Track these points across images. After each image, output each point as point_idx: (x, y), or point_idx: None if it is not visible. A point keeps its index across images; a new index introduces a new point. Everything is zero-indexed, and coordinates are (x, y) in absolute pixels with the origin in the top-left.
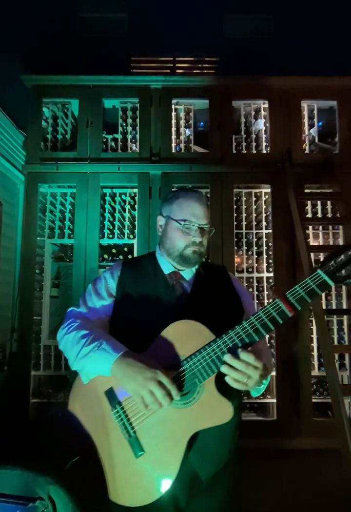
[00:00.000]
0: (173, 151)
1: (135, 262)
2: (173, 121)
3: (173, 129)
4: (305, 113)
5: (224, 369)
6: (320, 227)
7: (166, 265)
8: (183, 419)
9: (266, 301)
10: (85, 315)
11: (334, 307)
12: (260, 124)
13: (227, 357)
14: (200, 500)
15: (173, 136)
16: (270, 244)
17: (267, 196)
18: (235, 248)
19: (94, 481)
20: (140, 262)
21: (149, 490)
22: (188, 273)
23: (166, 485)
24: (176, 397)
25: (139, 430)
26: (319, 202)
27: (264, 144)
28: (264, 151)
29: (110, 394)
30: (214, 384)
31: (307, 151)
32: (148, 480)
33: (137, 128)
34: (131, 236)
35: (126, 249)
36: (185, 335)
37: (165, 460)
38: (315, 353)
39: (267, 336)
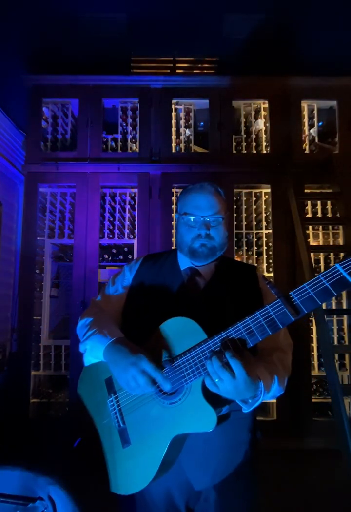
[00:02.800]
0: (173, 151)
1: (156, 257)
2: (173, 121)
3: (173, 129)
4: (305, 113)
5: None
6: (320, 227)
7: (184, 260)
8: (168, 419)
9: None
10: (99, 304)
11: (334, 307)
12: (260, 124)
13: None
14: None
15: (173, 136)
16: (270, 244)
17: (267, 196)
18: (235, 248)
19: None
20: (161, 257)
21: (129, 481)
22: (206, 270)
23: (144, 481)
24: (165, 386)
25: (128, 422)
26: (319, 202)
27: (264, 144)
28: (264, 151)
29: (109, 383)
30: (201, 388)
31: (307, 151)
32: (130, 471)
33: (137, 128)
34: (131, 236)
35: (126, 249)
36: (178, 333)
37: (146, 456)
38: (315, 353)
39: None
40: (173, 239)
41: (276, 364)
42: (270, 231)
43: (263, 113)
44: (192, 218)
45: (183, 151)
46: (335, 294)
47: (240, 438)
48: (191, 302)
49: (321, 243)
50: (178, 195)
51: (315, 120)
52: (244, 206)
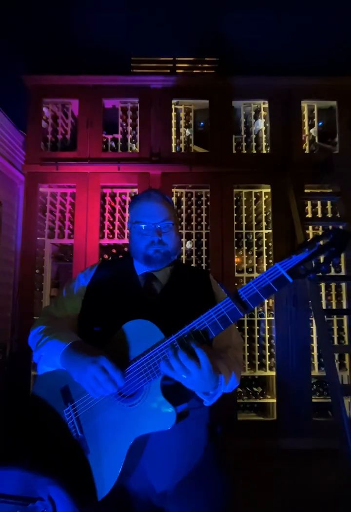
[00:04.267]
0: (173, 151)
1: (111, 263)
2: (173, 121)
3: (173, 129)
4: (305, 113)
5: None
6: (320, 227)
7: (140, 266)
8: (127, 421)
9: (266, 301)
10: (52, 312)
11: (334, 307)
12: (260, 124)
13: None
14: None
15: (173, 136)
16: (270, 244)
17: (267, 196)
18: (235, 248)
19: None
20: (116, 262)
21: (94, 490)
22: (162, 275)
23: (105, 489)
24: (121, 383)
25: (86, 430)
26: (319, 202)
27: (264, 144)
28: (264, 151)
29: (65, 392)
30: (160, 387)
31: (307, 151)
32: (94, 479)
33: (137, 128)
34: None
35: (126, 249)
36: (136, 335)
37: (106, 463)
38: (315, 353)
39: (268, 336)
40: None
41: (231, 359)
42: (270, 231)
43: (263, 113)
44: (143, 226)
45: (183, 151)
46: (277, 290)
47: (198, 435)
48: (148, 306)
49: None
50: (130, 202)
51: (315, 120)
52: (244, 206)
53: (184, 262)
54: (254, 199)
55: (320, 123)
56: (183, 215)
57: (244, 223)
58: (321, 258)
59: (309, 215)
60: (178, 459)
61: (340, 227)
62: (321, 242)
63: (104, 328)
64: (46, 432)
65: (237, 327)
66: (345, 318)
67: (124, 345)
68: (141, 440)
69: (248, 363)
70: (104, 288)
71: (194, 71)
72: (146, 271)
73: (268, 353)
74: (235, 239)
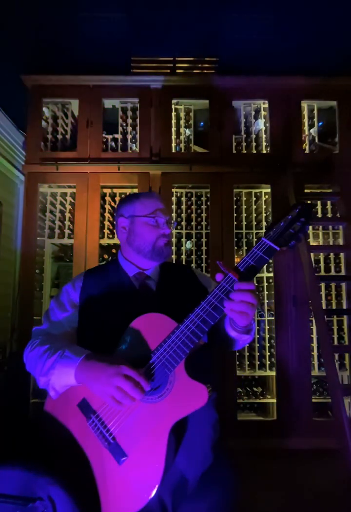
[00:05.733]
0: (173, 151)
1: (98, 270)
2: (173, 121)
3: (173, 129)
4: (305, 113)
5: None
6: (320, 227)
7: (130, 267)
8: (160, 413)
9: (266, 301)
10: (47, 331)
11: (334, 307)
12: (260, 124)
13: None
14: (187, 504)
15: (173, 136)
16: None
17: (267, 196)
18: (235, 248)
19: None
20: (102, 269)
21: (138, 495)
22: (153, 273)
23: (153, 486)
24: (147, 387)
25: (118, 435)
26: (319, 202)
27: (264, 144)
28: (264, 151)
29: (84, 405)
30: (185, 369)
31: (307, 151)
32: (136, 485)
33: (137, 128)
34: None
35: None
36: (148, 329)
37: (148, 460)
38: (315, 353)
39: (268, 336)
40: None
41: None
42: None
43: (263, 113)
44: (159, 219)
45: (183, 151)
46: (268, 259)
47: (213, 417)
48: (148, 303)
49: (321, 243)
50: (125, 200)
51: (315, 120)
52: (244, 206)
53: (184, 262)
54: (254, 199)
55: (320, 123)
56: (183, 215)
57: (244, 223)
58: (296, 228)
59: None
60: (203, 446)
61: (341, 227)
62: (291, 216)
63: (108, 334)
64: (72, 454)
65: None
66: (345, 318)
67: (136, 343)
68: (175, 429)
69: (248, 363)
70: (98, 295)
71: (194, 71)
72: (137, 271)
73: (268, 353)
74: (235, 239)
